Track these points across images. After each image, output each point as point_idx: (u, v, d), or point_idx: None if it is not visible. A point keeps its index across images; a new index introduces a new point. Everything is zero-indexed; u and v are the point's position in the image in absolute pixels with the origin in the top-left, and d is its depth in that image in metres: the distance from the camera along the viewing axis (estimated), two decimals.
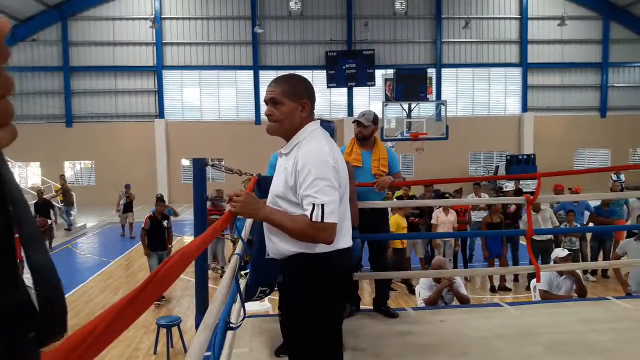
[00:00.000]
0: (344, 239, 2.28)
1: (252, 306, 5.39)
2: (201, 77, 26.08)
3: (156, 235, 8.70)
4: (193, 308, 6.47)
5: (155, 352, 6.28)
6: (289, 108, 2.30)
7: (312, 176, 2.15)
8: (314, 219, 2.10)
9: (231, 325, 2.60)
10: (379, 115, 4.73)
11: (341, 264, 2.28)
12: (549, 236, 8.66)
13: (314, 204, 2.11)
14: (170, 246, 9.21)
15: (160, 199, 10.29)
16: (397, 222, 8.86)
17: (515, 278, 9.35)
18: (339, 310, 2.40)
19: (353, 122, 4.45)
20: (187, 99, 26.20)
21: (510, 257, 9.16)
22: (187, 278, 9.34)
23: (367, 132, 4.30)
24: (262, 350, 3.81)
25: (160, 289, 1.05)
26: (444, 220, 9.05)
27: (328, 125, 3.73)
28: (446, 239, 9.40)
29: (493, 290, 8.83)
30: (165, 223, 8.99)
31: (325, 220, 2.11)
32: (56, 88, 24.75)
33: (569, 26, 25.16)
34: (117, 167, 24.14)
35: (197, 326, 4.30)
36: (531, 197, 4.92)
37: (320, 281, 2.26)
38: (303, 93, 2.34)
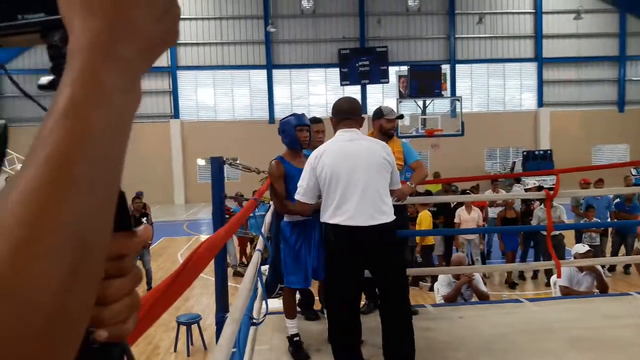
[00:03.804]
0: (332, 218, 3.01)
1: (271, 304, 5.41)
2: (215, 77, 26.22)
3: None
4: (212, 306, 6.52)
5: (175, 350, 6.34)
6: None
7: None
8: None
9: (254, 321, 2.63)
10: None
11: (336, 235, 3.01)
12: (559, 232, 8.55)
13: None
14: (149, 242, 9.18)
15: (136, 197, 9.86)
16: (427, 218, 8.78)
17: (534, 275, 9.27)
18: (337, 270, 3.08)
19: (388, 118, 4.14)
20: (201, 99, 26.36)
21: (532, 253, 9.06)
22: (206, 277, 9.40)
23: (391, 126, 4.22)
24: (282, 348, 3.82)
25: (193, 274, 1.09)
26: (466, 219, 8.92)
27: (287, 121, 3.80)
28: (470, 238, 9.20)
29: (512, 286, 8.77)
30: (144, 220, 8.87)
31: (295, 197, 3.21)
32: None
33: (584, 20, 24.83)
34: (134, 168, 24.37)
35: (217, 323, 4.33)
36: (551, 192, 4.88)
37: (324, 242, 3.19)
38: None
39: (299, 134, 3.74)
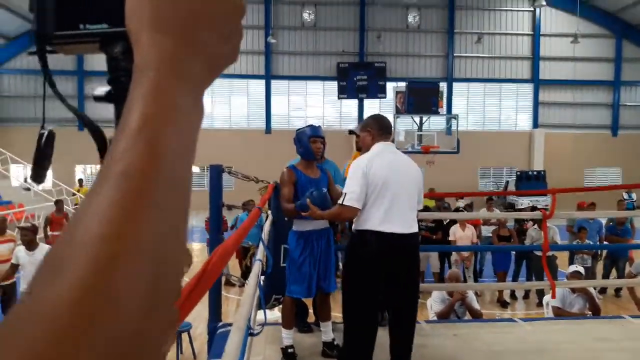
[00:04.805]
0: (380, 225, 3.12)
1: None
2: (213, 85, 25.95)
3: None
4: (202, 314, 6.47)
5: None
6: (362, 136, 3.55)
7: (348, 176, 3.30)
8: (339, 202, 3.22)
9: (252, 331, 2.62)
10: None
11: (372, 241, 3.12)
12: (552, 253, 8.57)
13: (343, 192, 3.23)
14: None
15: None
16: None
17: (526, 294, 9.29)
18: (366, 280, 3.14)
19: (349, 133, 4.66)
20: None
21: (523, 273, 9.08)
22: None
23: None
24: (275, 359, 3.80)
25: (208, 284, 1.10)
26: (461, 236, 8.94)
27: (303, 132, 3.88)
28: (465, 257, 9.19)
29: (504, 305, 8.77)
30: None
31: (343, 203, 3.17)
32: (70, 92, 24.85)
33: (581, 44, 25.12)
34: None
35: (210, 332, 4.30)
36: (547, 213, 4.92)
37: (353, 250, 3.24)
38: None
39: (312, 145, 3.83)
